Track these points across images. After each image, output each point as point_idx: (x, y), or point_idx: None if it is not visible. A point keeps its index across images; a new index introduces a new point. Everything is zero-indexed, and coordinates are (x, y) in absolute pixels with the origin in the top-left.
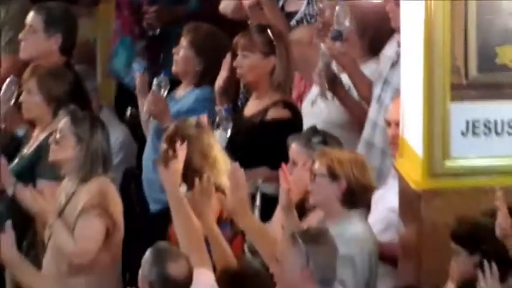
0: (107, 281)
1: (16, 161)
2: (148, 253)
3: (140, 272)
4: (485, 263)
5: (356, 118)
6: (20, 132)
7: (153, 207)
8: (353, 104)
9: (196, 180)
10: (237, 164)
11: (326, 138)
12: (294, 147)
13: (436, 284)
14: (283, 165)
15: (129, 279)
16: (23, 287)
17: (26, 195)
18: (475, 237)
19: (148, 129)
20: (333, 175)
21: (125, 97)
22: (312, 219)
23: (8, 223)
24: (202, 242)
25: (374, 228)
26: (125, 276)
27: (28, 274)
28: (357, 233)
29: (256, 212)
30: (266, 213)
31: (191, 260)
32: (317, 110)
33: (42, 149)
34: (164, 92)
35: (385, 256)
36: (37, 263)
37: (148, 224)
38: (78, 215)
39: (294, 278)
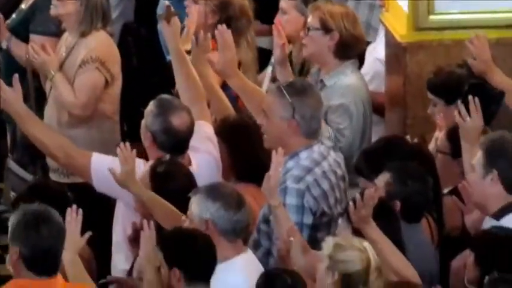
0: (106, 131)
1: (13, 16)
2: (152, 105)
3: (143, 122)
4: (470, 97)
5: None
6: None
7: (168, 57)
8: None
9: (194, 37)
10: (224, 26)
11: None
12: None
13: (421, 133)
14: (276, 20)
15: (128, 130)
16: (29, 138)
17: (21, 50)
18: (449, 86)
19: None
20: (325, 28)
21: None
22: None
23: (16, 77)
24: (203, 96)
25: None
26: (123, 127)
27: (35, 126)
28: (350, 83)
29: None
30: (260, 66)
31: (192, 112)
32: None
33: (37, 5)
34: None
35: (373, 105)
36: None
37: (165, 72)
38: (77, 67)
39: (280, 129)
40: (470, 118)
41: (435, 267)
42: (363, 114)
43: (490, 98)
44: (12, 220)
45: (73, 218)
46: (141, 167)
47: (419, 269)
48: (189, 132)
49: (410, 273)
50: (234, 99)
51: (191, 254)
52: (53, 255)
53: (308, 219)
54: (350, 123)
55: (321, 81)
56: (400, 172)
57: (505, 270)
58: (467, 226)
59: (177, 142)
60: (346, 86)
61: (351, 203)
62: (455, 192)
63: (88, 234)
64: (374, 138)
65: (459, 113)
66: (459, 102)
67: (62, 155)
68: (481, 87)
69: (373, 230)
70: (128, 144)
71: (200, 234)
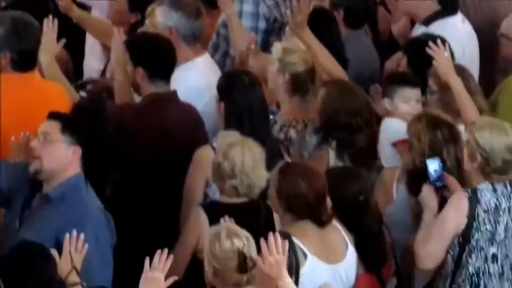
0: None
1: None
2: None
3: None
4: None
5: None
6: None
7: None
8: None
9: None
10: None
11: None
12: None
13: None
14: None
15: None
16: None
17: None
18: None
19: None
20: None
21: None
22: None
23: None
24: None
25: None
26: None
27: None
28: None
29: None
30: None
31: None
32: None
33: None
34: None
35: None
36: None
37: None
38: None
39: None
40: None
41: (378, 66)
42: None
43: None
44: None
45: (50, 27)
46: None
47: (367, 68)
48: None
49: (339, 72)
50: None
51: (153, 54)
52: (34, 55)
53: (262, 25)
54: None
55: None
56: None
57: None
58: (394, 33)
59: None
60: None
61: (288, 11)
62: (382, 3)
63: (63, 41)
64: None
65: None
66: None
67: None
68: None
69: (308, 35)
70: None
71: (162, 38)
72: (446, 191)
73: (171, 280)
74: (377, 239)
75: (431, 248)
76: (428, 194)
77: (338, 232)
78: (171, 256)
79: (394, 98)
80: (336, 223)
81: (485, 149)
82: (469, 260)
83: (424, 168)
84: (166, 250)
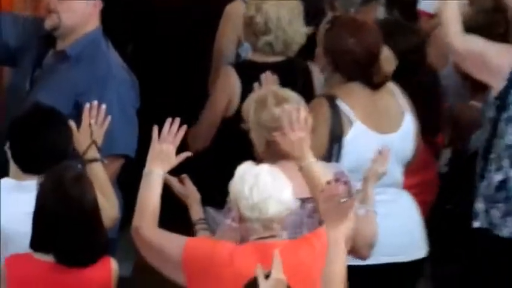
0: None
1: None
2: None
3: None
4: None
5: None
6: None
7: None
8: None
9: None
10: None
11: None
12: None
13: None
14: None
15: None
16: None
17: None
18: None
19: None
20: None
21: None
22: None
23: None
24: None
25: None
26: None
27: None
28: None
29: None
30: None
31: None
32: None
33: None
34: None
35: None
36: None
37: None
38: None
39: None
40: None
41: None
42: None
43: None
44: None
45: None
46: None
47: None
48: None
49: None
50: None
51: None
52: None
53: None
54: None
55: None
56: None
57: None
58: None
59: None
60: None
61: None
62: None
63: None
64: None
65: None
66: None
67: None
68: None
69: None
70: None
71: None
72: None
73: (183, 155)
74: (433, 102)
75: (470, 51)
76: None
77: (394, 98)
78: (184, 127)
79: None
80: (392, 87)
81: None
82: (507, 130)
83: None
84: (178, 119)
